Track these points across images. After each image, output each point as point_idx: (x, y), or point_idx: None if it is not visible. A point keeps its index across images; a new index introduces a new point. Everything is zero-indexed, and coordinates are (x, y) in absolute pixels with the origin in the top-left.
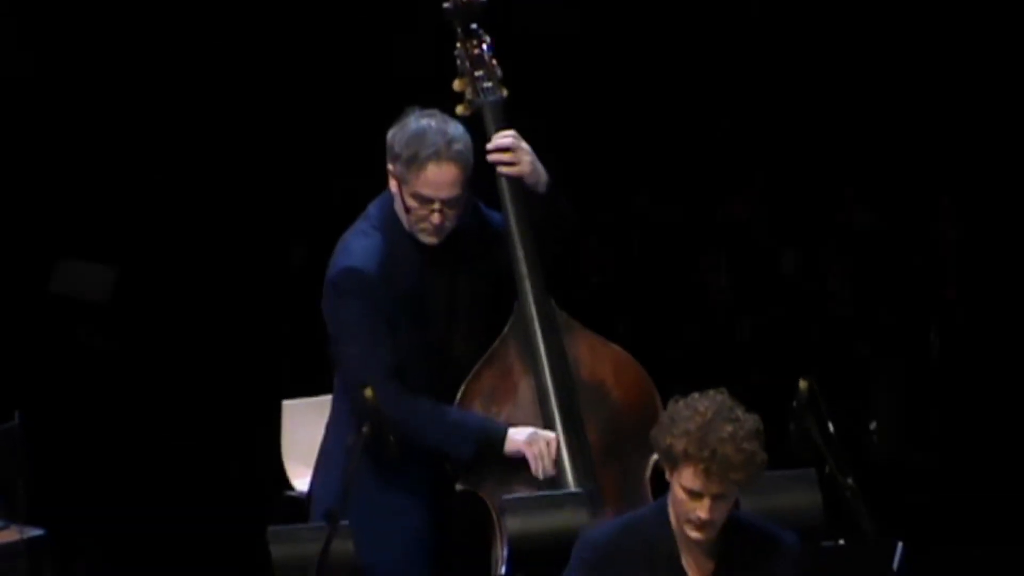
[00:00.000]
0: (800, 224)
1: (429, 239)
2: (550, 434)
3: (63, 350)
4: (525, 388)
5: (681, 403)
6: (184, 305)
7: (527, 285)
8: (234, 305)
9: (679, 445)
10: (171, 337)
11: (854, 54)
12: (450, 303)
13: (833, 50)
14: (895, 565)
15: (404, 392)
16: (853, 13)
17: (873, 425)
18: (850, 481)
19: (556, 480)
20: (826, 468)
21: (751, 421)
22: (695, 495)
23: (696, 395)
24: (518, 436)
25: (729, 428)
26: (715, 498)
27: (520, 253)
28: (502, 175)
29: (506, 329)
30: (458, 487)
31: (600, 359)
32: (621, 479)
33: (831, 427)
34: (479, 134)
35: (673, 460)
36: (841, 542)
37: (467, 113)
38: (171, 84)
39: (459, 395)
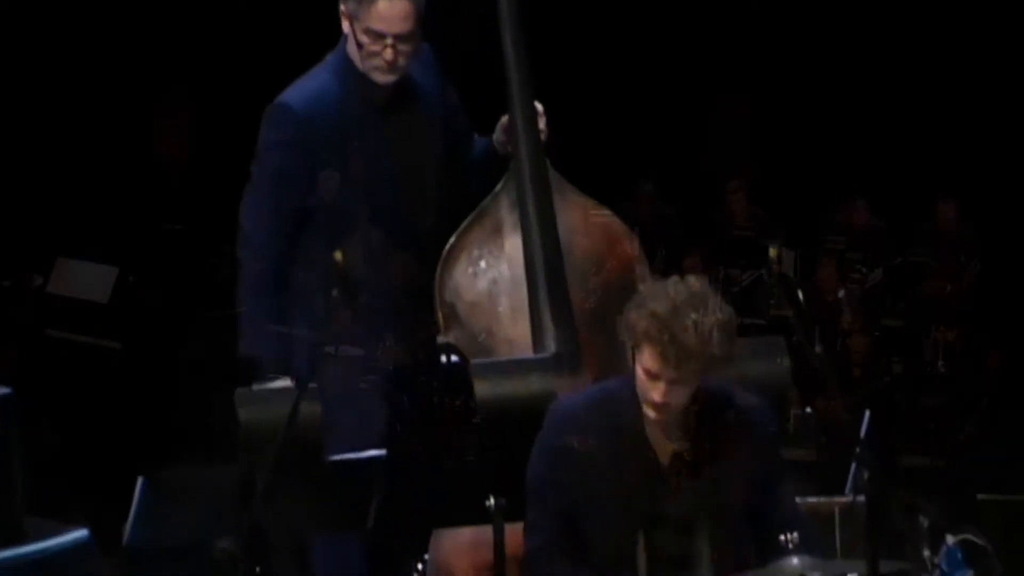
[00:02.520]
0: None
1: (383, 77)
2: None
3: None
4: (513, 246)
5: (659, 283)
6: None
7: (522, 143)
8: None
9: (642, 325)
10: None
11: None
12: (405, 159)
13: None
14: (863, 433)
15: (261, 259)
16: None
17: (841, 293)
18: (818, 349)
19: (539, 341)
20: (794, 336)
21: (721, 312)
22: (653, 377)
23: (675, 278)
24: None
25: (694, 316)
26: (671, 382)
27: (518, 112)
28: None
29: (499, 186)
30: (440, 339)
31: (593, 224)
32: (604, 346)
33: (800, 295)
34: None
35: (635, 338)
36: (808, 410)
37: None
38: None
39: (446, 249)
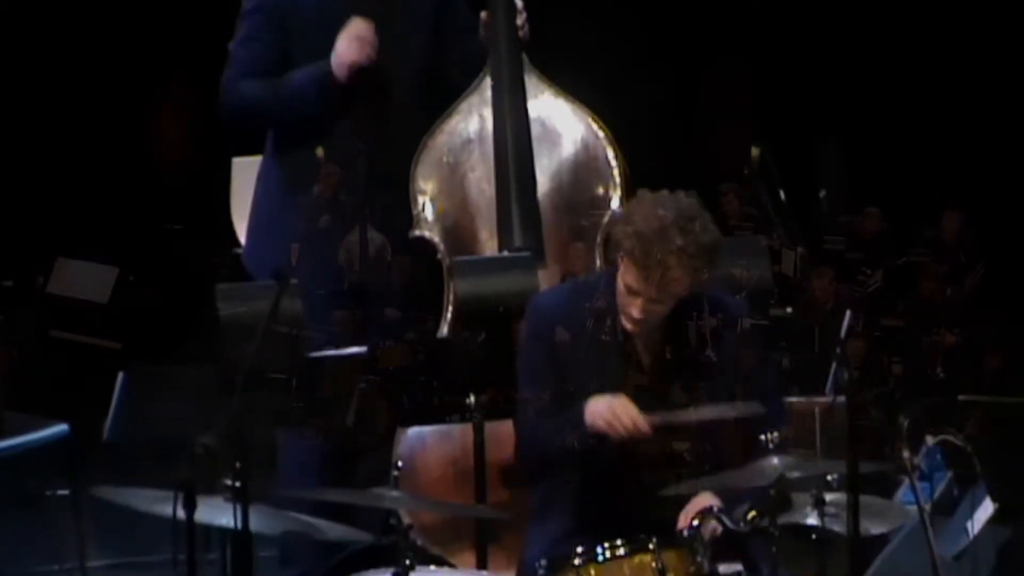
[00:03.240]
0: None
1: None
2: None
3: None
4: (485, 142)
5: (648, 198)
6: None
7: (500, 39)
8: None
9: (628, 243)
10: None
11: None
12: (383, 45)
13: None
14: (843, 333)
15: (247, 82)
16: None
17: (822, 193)
18: (800, 249)
19: (504, 236)
20: (775, 235)
21: (708, 235)
22: (633, 292)
23: (665, 193)
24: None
25: (680, 241)
26: (651, 300)
27: (498, 7)
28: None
29: (476, 81)
30: (413, 233)
31: (567, 118)
32: (571, 238)
33: (782, 195)
34: None
35: (620, 253)
36: (789, 310)
37: None
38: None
39: (422, 142)
